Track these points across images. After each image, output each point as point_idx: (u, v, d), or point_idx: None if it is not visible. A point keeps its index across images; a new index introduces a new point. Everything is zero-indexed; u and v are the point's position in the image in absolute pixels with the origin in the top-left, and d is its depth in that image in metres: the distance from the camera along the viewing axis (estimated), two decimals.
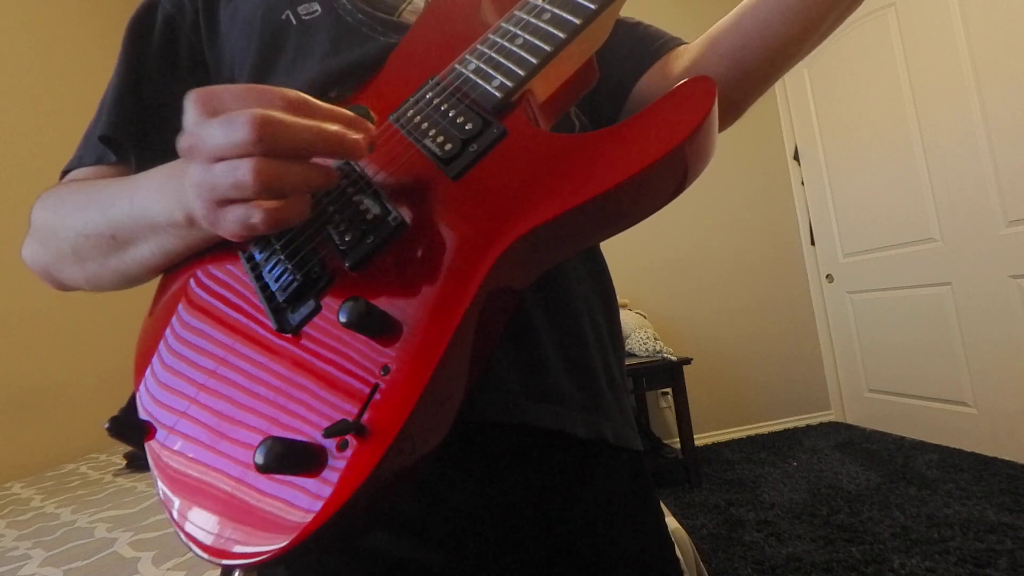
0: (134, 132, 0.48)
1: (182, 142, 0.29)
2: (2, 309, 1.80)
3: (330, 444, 0.26)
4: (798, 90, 3.07)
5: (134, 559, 0.84)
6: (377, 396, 0.26)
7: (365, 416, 0.26)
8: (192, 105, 0.29)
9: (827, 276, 3.02)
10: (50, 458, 1.82)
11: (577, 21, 0.32)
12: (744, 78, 0.47)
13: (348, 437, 0.25)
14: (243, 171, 0.27)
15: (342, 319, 0.27)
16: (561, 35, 0.32)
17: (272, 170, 0.27)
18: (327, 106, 0.30)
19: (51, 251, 0.44)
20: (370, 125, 0.31)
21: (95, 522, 1.05)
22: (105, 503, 1.19)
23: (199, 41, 0.51)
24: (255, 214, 0.28)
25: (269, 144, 0.27)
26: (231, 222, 0.29)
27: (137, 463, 1.55)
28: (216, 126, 0.28)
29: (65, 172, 0.51)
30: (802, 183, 3.11)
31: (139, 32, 0.51)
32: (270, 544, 0.25)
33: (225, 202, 0.29)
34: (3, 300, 1.80)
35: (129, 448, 1.65)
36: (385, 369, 0.27)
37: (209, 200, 0.29)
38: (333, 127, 0.29)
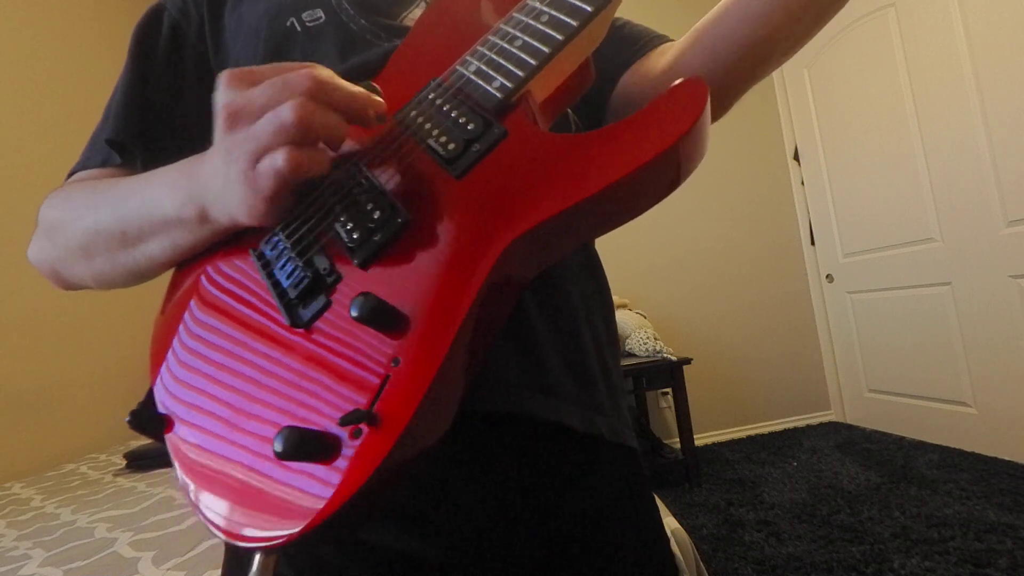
0: (140, 136, 0.49)
1: (223, 112, 0.31)
2: (2, 309, 1.81)
3: (344, 432, 0.27)
4: (798, 90, 3.07)
5: (134, 559, 0.84)
6: (388, 386, 0.27)
7: (377, 405, 0.27)
8: (228, 80, 0.32)
9: (827, 276, 3.03)
10: (50, 458, 1.83)
11: (574, 23, 0.33)
12: (726, 74, 0.48)
13: (361, 426, 0.26)
14: (286, 109, 0.30)
15: (353, 314, 0.28)
16: (559, 37, 0.33)
17: (312, 108, 0.30)
18: (347, 83, 0.33)
19: (59, 248, 0.44)
20: (381, 100, 0.35)
21: (95, 522, 1.06)
22: (105, 503, 1.19)
23: (204, 48, 0.52)
24: (280, 155, 0.30)
25: (320, 94, 0.31)
26: (263, 173, 0.31)
27: (137, 463, 1.55)
28: (266, 86, 0.31)
29: (71, 174, 0.51)
30: (802, 183, 3.12)
31: (145, 37, 0.52)
32: (288, 528, 0.26)
33: (263, 153, 0.31)
34: (3, 300, 1.81)
35: (130, 448, 1.65)
36: (396, 361, 0.28)
37: (250, 156, 0.31)
38: (366, 91, 0.33)
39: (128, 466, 1.56)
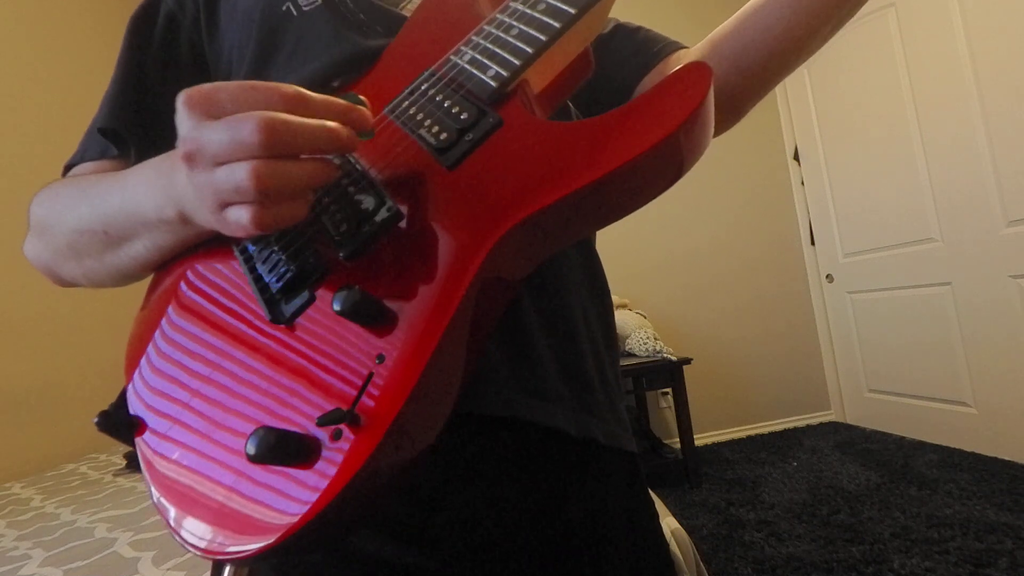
0: (134, 126, 0.49)
1: (182, 147, 0.28)
2: (2, 309, 1.80)
3: (324, 434, 0.25)
4: (798, 90, 3.07)
5: (134, 559, 0.84)
6: (371, 385, 0.26)
7: (359, 405, 0.25)
8: (186, 108, 0.28)
9: (827, 276, 3.02)
10: (50, 458, 1.82)
11: (572, 11, 0.32)
12: (745, 81, 0.49)
13: (342, 427, 0.25)
14: (242, 174, 0.27)
15: (336, 307, 0.26)
16: (556, 24, 0.32)
17: (271, 171, 0.27)
18: (321, 98, 0.30)
19: (49, 247, 0.44)
20: (366, 112, 0.31)
21: (95, 522, 1.05)
22: (105, 503, 1.19)
23: (199, 37, 0.51)
24: (244, 215, 0.28)
25: (273, 148, 0.27)
26: (232, 223, 0.29)
27: (137, 463, 1.54)
28: (218, 130, 0.27)
29: (69, 167, 0.51)
30: (802, 183, 3.11)
31: (141, 27, 0.51)
32: (262, 538, 0.24)
33: (227, 204, 0.29)
34: (3, 300, 1.80)
35: (128, 448, 1.64)
36: (380, 358, 0.26)
37: (213, 203, 0.29)
38: (332, 124, 0.29)
39: (128, 466, 1.55)
